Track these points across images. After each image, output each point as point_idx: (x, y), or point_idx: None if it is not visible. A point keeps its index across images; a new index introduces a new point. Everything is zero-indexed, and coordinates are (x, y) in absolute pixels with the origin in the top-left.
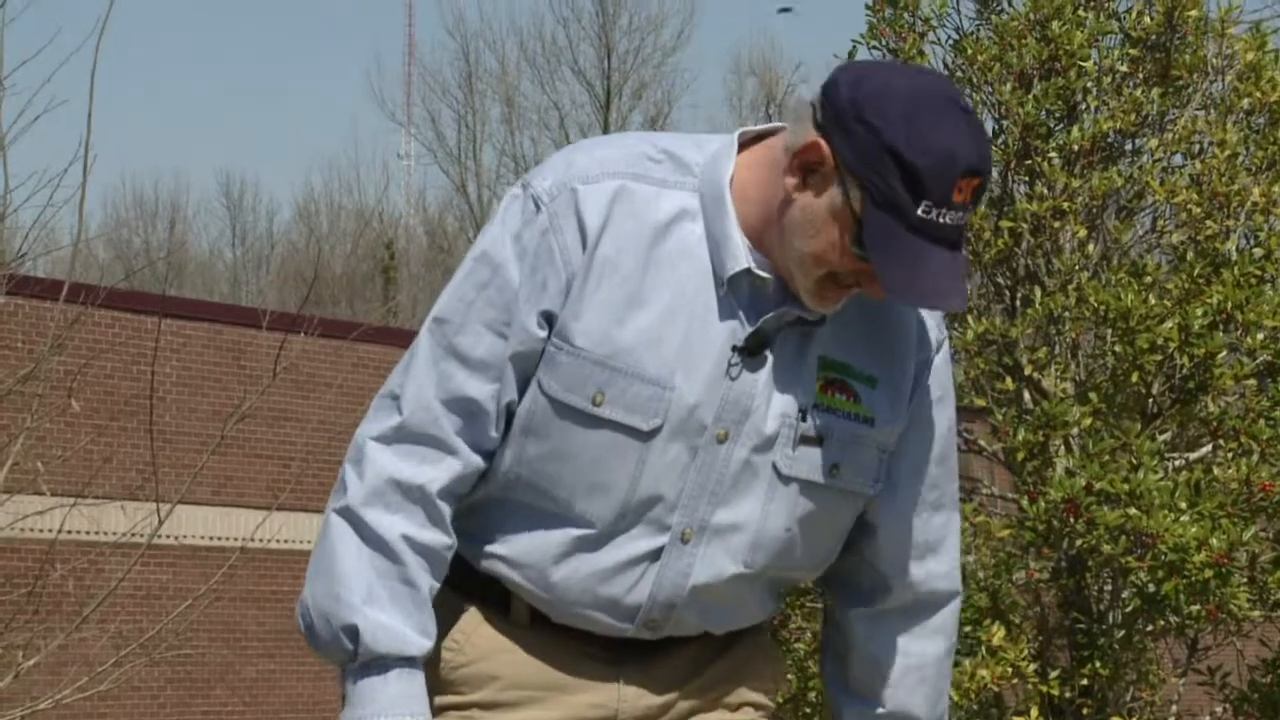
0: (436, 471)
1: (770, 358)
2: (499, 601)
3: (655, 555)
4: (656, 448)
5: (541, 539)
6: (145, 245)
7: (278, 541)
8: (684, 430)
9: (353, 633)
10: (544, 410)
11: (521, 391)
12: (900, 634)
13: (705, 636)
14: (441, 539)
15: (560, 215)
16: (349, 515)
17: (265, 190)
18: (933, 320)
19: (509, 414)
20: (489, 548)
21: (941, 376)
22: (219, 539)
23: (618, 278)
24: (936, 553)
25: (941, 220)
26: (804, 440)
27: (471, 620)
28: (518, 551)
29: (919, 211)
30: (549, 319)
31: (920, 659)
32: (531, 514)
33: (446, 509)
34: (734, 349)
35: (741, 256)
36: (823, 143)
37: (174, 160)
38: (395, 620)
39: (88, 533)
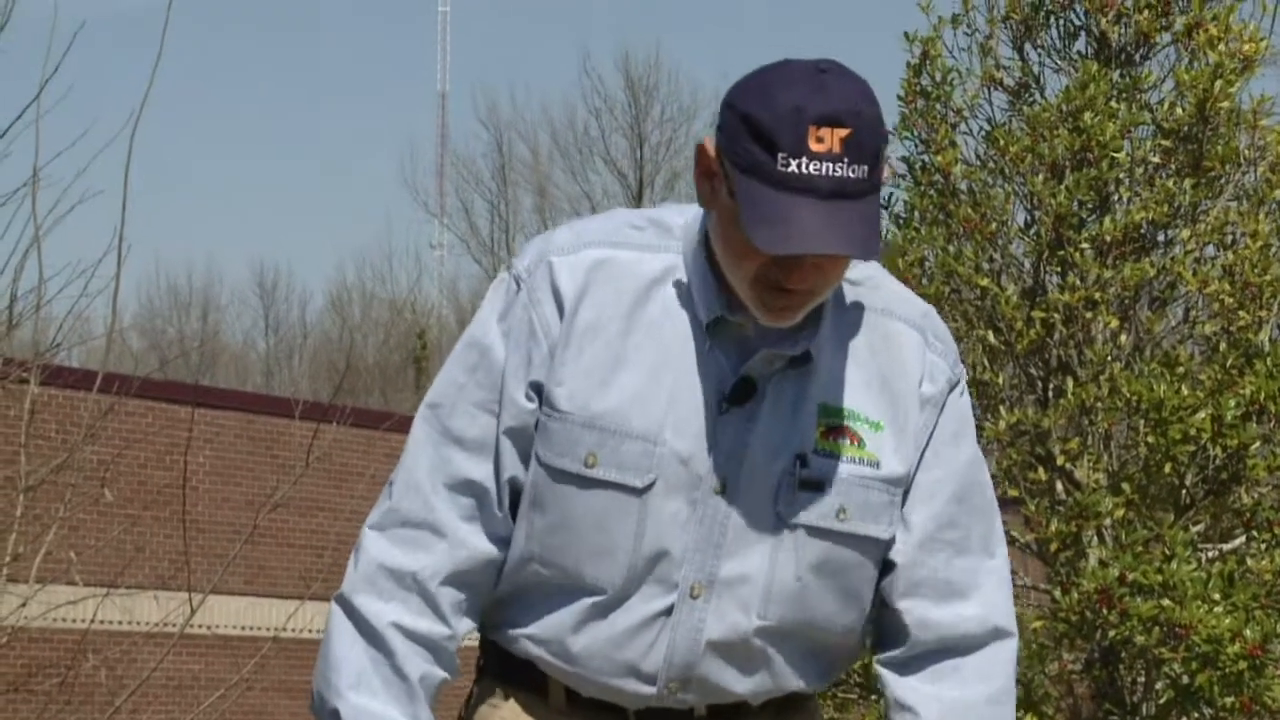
0: (430, 558)
1: (763, 405)
2: (538, 686)
3: (668, 614)
4: (654, 504)
5: (560, 612)
6: (179, 335)
7: (310, 631)
8: (680, 484)
9: (335, 717)
10: (544, 481)
11: (525, 469)
12: (932, 680)
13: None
14: (438, 628)
15: (537, 289)
16: (343, 602)
17: (298, 280)
18: (945, 362)
19: (514, 492)
20: (517, 630)
21: (956, 414)
22: (251, 629)
23: (600, 342)
24: (965, 596)
25: (804, 170)
26: (805, 485)
27: (511, 710)
28: (541, 628)
29: (778, 166)
30: (537, 390)
31: (956, 705)
32: (549, 589)
33: (448, 597)
34: (722, 398)
35: (714, 305)
36: (707, 142)
37: (207, 250)
38: (385, 707)
39: (120, 623)
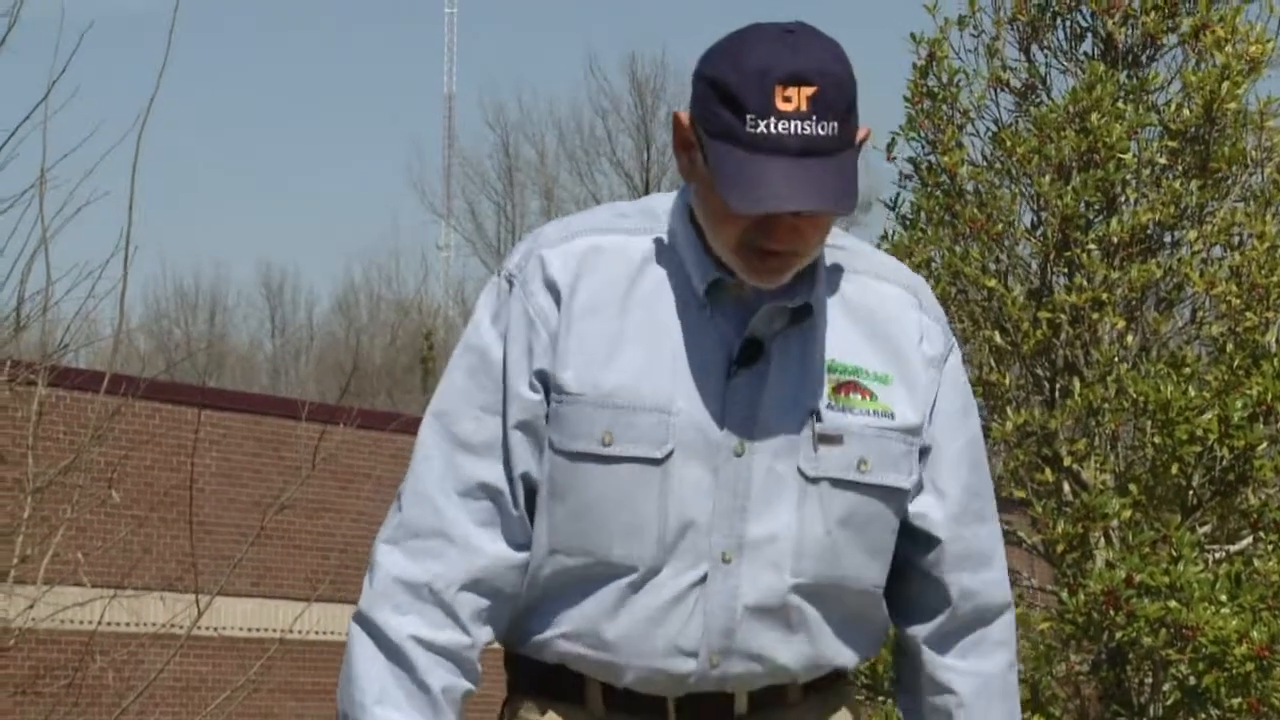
0: (443, 567)
1: (771, 364)
2: (574, 692)
3: (702, 583)
4: (675, 474)
5: (591, 601)
6: (185, 336)
7: (316, 633)
8: (698, 451)
9: None
10: (562, 467)
11: (538, 463)
12: (963, 655)
13: (792, 713)
14: (459, 638)
15: (530, 282)
16: (361, 620)
17: (305, 281)
18: (938, 326)
19: (528, 489)
20: (548, 633)
21: (958, 383)
22: (258, 630)
23: (599, 323)
24: (989, 563)
25: (773, 130)
26: (823, 440)
27: None
28: (572, 622)
29: (747, 128)
30: (542, 379)
31: (989, 678)
32: (577, 580)
33: (467, 605)
34: (731, 361)
35: (709, 270)
36: (681, 114)
37: (214, 251)
38: (410, 719)
39: (127, 624)
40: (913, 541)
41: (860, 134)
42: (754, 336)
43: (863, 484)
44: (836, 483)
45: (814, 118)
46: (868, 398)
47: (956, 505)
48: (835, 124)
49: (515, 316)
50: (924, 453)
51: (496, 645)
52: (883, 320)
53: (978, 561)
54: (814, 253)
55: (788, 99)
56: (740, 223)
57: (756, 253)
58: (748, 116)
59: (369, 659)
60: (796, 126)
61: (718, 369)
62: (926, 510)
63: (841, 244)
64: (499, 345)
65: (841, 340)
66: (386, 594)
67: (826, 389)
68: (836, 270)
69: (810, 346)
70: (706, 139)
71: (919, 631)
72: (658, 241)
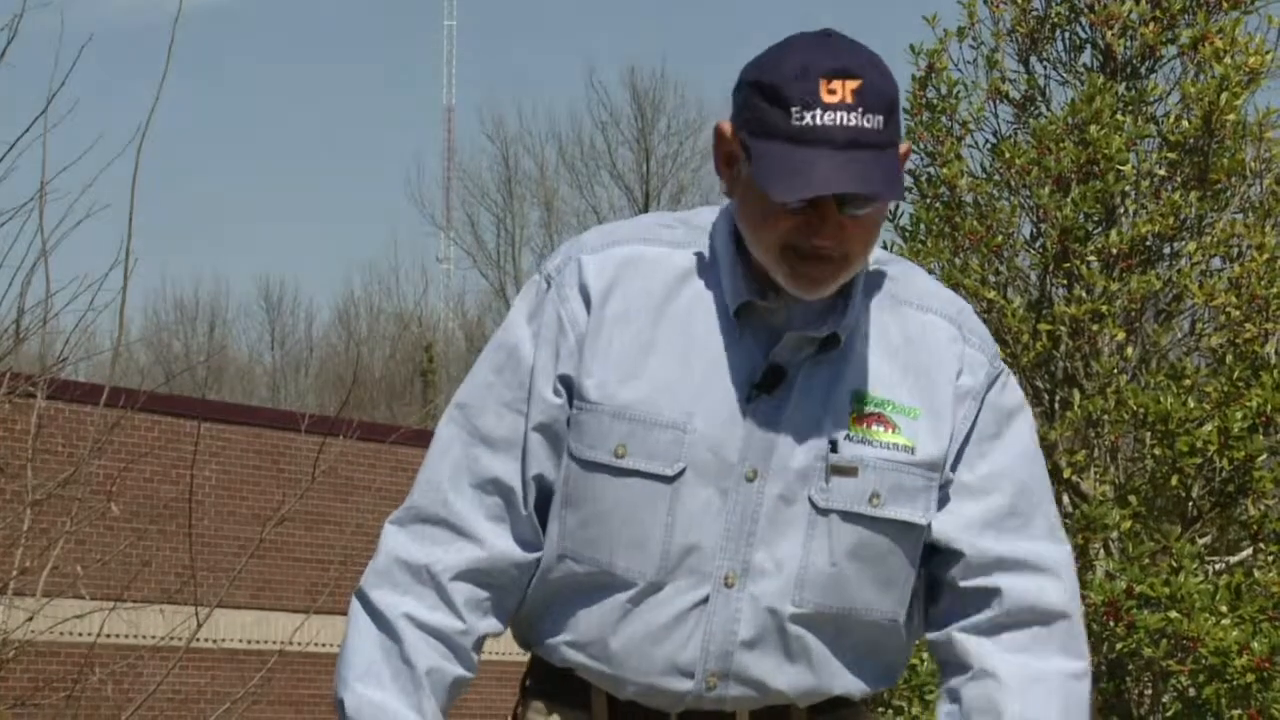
0: (444, 553)
1: (793, 392)
2: (581, 699)
3: (704, 604)
4: (685, 493)
5: (596, 611)
6: (185, 349)
7: (316, 645)
8: (710, 472)
9: (341, 707)
10: (576, 475)
11: (555, 466)
12: (1017, 648)
13: None
14: (452, 622)
15: (566, 285)
16: (360, 596)
17: (304, 294)
18: (983, 355)
19: (541, 491)
20: (557, 638)
21: (1001, 410)
22: (257, 642)
23: (630, 333)
24: (1040, 571)
25: (818, 121)
26: (836, 471)
27: None
28: (579, 631)
29: (793, 121)
30: (566, 384)
31: (1041, 672)
32: (583, 587)
33: (462, 593)
34: (752, 385)
35: (742, 291)
36: (723, 124)
37: (214, 263)
38: (390, 698)
39: (126, 636)
40: (938, 557)
41: (902, 148)
42: (776, 363)
43: (874, 518)
44: (847, 515)
45: (860, 109)
46: (890, 429)
47: (984, 523)
48: (880, 118)
49: (548, 319)
50: (949, 484)
51: (497, 656)
52: (919, 352)
53: (1017, 567)
54: (859, 261)
55: (832, 91)
56: (783, 222)
57: (802, 257)
58: (793, 109)
59: (362, 635)
60: (843, 118)
61: (739, 392)
62: (945, 526)
63: (889, 270)
64: (530, 344)
65: (872, 370)
66: (386, 573)
67: (849, 420)
68: (878, 297)
69: (836, 376)
70: (750, 140)
71: (961, 624)
72: (699, 256)
